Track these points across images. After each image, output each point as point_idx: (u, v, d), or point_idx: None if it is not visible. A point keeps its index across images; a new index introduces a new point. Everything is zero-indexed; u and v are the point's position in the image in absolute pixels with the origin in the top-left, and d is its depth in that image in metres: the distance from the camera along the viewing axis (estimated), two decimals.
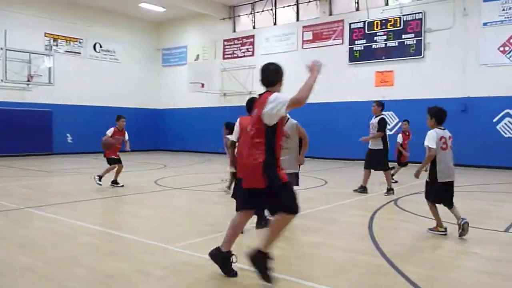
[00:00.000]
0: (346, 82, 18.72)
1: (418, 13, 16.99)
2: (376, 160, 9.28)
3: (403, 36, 17.30)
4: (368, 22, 18.16)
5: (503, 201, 9.06)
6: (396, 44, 17.47)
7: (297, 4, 20.67)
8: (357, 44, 18.48)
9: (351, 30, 18.63)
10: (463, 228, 5.52)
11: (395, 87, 17.45)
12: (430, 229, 5.94)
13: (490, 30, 15.57)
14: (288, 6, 20.95)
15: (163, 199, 9.01)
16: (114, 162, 10.21)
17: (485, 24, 15.70)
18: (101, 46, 23.43)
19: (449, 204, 5.74)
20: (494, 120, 15.32)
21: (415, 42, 17.07)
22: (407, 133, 11.89)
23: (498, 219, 6.98)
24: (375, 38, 18.00)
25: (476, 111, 15.60)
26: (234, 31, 23.08)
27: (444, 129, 5.95)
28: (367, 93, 17.75)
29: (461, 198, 9.36)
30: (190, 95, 22.88)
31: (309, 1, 20.04)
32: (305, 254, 5.04)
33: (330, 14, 19.61)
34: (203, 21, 23.80)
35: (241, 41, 22.54)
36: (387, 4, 18.09)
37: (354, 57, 18.56)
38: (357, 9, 18.80)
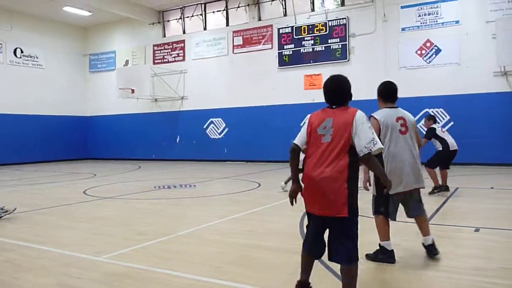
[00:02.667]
0: (276, 86, 19.09)
1: (342, 18, 17.70)
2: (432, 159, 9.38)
3: (329, 41, 17.94)
4: (296, 27, 18.64)
5: (425, 195, 9.61)
6: (323, 48, 18.08)
7: (226, 10, 20.79)
8: (286, 49, 18.91)
9: (280, 35, 19.04)
10: None
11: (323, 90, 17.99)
12: None
13: (408, 34, 16.56)
14: (218, 11, 21.03)
15: (92, 209, 8.69)
16: None
17: (403, 29, 16.67)
18: (22, 51, 22.17)
19: None
20: (415, 119, 16.25)
21: (340, 46, 17.76)
22: None
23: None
24: (303, 42, 18.51)
25: None
26: (164, 36, 22.78)
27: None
28: (296, 96, 18.25)
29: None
30: (119, 101, 22.25)
31: (238, 7, 20.23)
32: (238, 257, 5.07)
33: (259, 20, 19.93)
34: (132, 26, 23.28)
35: (171, 46, 22.28)
36: (313, 10, 18.69)
37: (284, 61, 18.97)
38: (285, 15, 19.25)
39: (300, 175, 3.49)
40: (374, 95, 17.26)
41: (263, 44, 19.61)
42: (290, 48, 18.82)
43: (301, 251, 3.61)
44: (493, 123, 14.95)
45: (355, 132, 3.26)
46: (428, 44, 16.21)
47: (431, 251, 4.68)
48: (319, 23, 18.16)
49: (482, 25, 15.33)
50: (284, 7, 19.28)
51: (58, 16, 22.69)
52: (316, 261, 3.71)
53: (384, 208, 4.63)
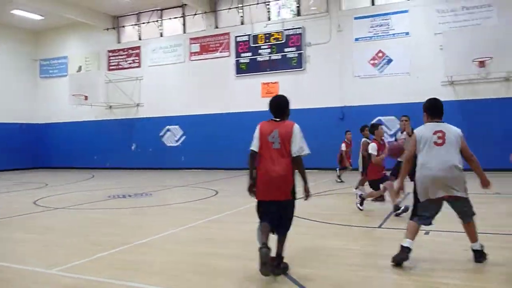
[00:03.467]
0: (234, 94, 19.16)
1: (298, 28, 18.05)
2: None
3: (285, 50, 18.23)
4: (253, 36, 18.81)
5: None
6: (280, 57, 18.35)
7: (183, 16, 20.72)
8: (243, 57, 19.04)
9: (237, 43, 19.16)
10: None
11: None
12: None
13: (361, 45, 17.09)
14: (175, 18, 20.92)
15: (44, 220, 8.40)
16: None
17: (356, 39, 17.19)
18: None
19: None
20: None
21: (296, 55, 18.08)
22: (349, 142, 13.54)
23: (373, 217, 7.62)
24: (260, 51, 18.71)
25: (353, 119, 16.92)
26: (119, 42, 22.40)
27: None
28: (254, 103, 18.35)
29: (347, 197, 10.12)
30: (72, 108, 21.63)
31: (195, 14, 20.21)
32: (196, 265, 5.06)
33: (216, 27, 19.98)
34: (85, 31, 22.72)
35: (126, 52, 21.94)
36: (269, 19, 18.94)
37: (241, 69, 19.09)
38: (242, 23, 19.40)
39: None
40: (329, 103, 17.83)
41: (221, 51, 19.66)
42: (247, 56, 18.97)
43: (260, 225, 4.50)
44: None
45: (293, 141, 4.52)
46: (380, 54, 16.79)
47: (476, 256, 4.83)
48: (276, 32, 18.42)
49: (430, 37, 16.02)
50: (241, 15, 19.43)
51: (7, 20, 21.84)
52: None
53: (419, 214, 4.94)
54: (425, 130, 4.95)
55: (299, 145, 4.51)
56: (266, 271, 4.18)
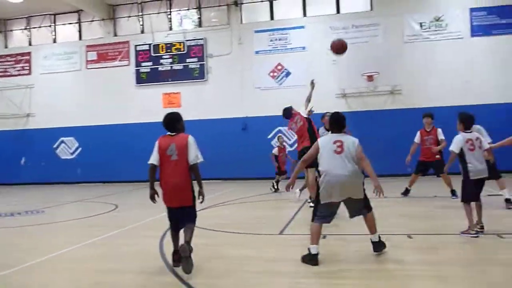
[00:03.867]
0: (134, 104, 18.63)
1: (200, 39, 18.12)
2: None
3: (187, 60, 18.18)
4: (153, 45, 18.50)
5: (281, 207, 10.23)
6: (181, 67, 18.24)
7: (79, 23, 19.76)
8: (144, 66, 18.63)
9: (137, 52, 18.70)
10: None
11: (182, 108, 18.09)
12: (463, 232, 6.20)
13: (261, 57, 17.62)
14: (69, 24, 19.87)
15: None
16: None
17: (257, 52, 17.69)
18: None
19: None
20: (269, 137, 17.29)
21: (198, 66, 18.11)
22: (282, 146, 13.90)
23: (274, 224, 7.83)
24: (161, 61, 18.44)
25: (254, 129, 17.36)
26: (6, 46, 20.71)
27: (471, 132, 6.44)
28: (155, 114, 17.95)
29: (245, 207, 10.28)
30: None
31: (92, 20, 19.39)
32: (93, 284, 4.81)
33: (115, 35, 19.33)
34: None
35: (15, 58, 20.34)
36: (171, 29, 18.78)
37: (141, 78, 18.64)
38: (142, 32, 19.00)
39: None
40: (231, 114, 17.94)
41: (120, 60, 19.05)
42: (148, 66, 18.59)
43: (169, 231, 5.39)
44: None
45: (189, 151, 5.12)
46: (279, 67, 17.44)
47: (374, 247, 5.44)
48: (177, 42, 18.30)
49: (324, 52, 16.91)
50: (141, 24, 19.02)
51: None
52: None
53: (319, 215, 5.41)
54: (326, 139, 5.48)
55: (195, 154, 5.14)
56: (188, 268, 4.79)
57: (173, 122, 5.27)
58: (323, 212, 5.34)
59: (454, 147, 6.34)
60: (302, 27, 17.40)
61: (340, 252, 5.78)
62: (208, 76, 18.10)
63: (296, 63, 17.29)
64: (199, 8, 18.51)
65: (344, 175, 5.19)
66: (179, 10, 18.85)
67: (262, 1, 17.78)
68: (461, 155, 6.29)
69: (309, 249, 5.20)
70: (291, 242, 6.50)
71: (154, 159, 5.12)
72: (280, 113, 16.90)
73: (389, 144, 15.44)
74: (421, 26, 16.53)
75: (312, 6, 17.58)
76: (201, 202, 5.22)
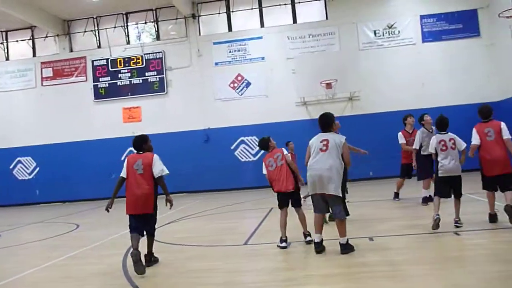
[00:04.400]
0: (93, 120, 18.27)
1: (159, 52, 18.01)
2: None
3: (147, 74, 18.03)
4: (111, 60, 18.25)
5: (245, 218, 10.25)
6: (141, 81, 18.06)
7: (32, 39, 19.27)
8: (102, 81, 18.32)
9: (94, 67, 18.39)
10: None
11: (143, 122, 17.91)
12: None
13: (221, 69, 17.68)
14: (22, 40, 19.35)
15: None
16: None
17: (216, 63, 17.74)
18: None
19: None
20: (232, 147, 17.31)
21: (158, 79, 17.98)
22: (294, 154, 12.13)
23: (239, 235, 7.85)
24: (120, 75, 18.21)
25: (217, 141, 17.35)
26: None
27: (446, 133, 6.82)
28: (115, 129, 17.75)
29: (210, 220, 10.23)
30: None
31: (46, 36, 18.95)
32: None
33: (71, 51, 18.96)
34: None
35: None
36: (128, 43, 18.59)
37: (100, 94, 18.32)
38: (99, 47, 18.72)
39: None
40: (193, 126, 17.84)
41: (76, 76, 18.67)
42: (106, 81, 18.30)
43: (131, 235, 5.89)
44: (298, 147, 16.70)
45: (154, 166, 5.97)
46: (239, 78, 17.54)
47: (341, 249, 5.77)
48: (135, 56, 18.13)
49: (283, 61, 17.25)
50: (97, 39, 18.74)
51: None
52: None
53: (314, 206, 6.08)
54: (315, 139, 6.04)
55: (160, 168, 5.97)
56: (140, 269, 5.48)
57: (140, 143, 6.22)
58: (314, 203, 6.02)
59: (431, 148, 6.89)
60: (260, 37, 17.60)
61: (306, 258, 5.83)
62: (168, 89, 17.99)
63: (256, 73, 17.44)
64: (156, 21, 18.42)
65: (321, 169, 5.73)
66: (136, 24, 18.71)
67: (219, 13, 17.87)
68: (436, 154, 6.80)
69: (313, 239, 6.03)
70: (256, 252, 6.52)
71: (123, 173, 6.00)
72: (242, 123, 17.18)
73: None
74: (375, 33, 17.04)
75: (269, 16, 17.82)
76: (170, 209, 6.03)
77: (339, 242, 5.75)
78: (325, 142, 5.83)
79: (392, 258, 5.44)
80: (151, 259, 6.10)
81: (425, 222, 7.31)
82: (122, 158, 17.96)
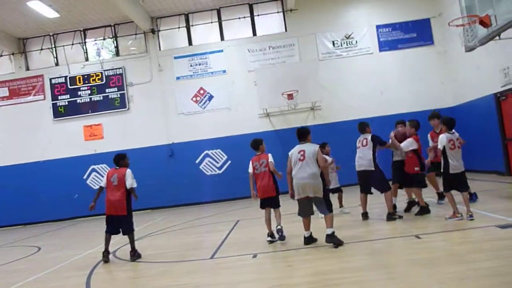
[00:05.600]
0: (54, 139, 17.79)
1: (119, 68, 17.79)
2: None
3: (107, 90, 17.74)
4: (70, 77, 17.87)
5: (211, 231, 10.18)
6: (101, 98, 17.75)
7: None
8: (61, 99, 17.90)
9: (53, 86, 17.95)
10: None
11: (105, 139, 17.58)
12: (449, 218, 7.28)
13: (183, 83, 17.61)
14: None
15: None
16: None
17: (178, 78, 17.67)
18: None
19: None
20: (197, 161, 17.21)
21: (119, 95, 17.72)
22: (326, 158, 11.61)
23: (205, 249, 7.80)
24: (79, 92, 17.84)
25: (181, 155, 17.22)
26: None
27: (453, 132, 7.38)
28: (77, 147, 17.35)
29: (176, 235, 10.12)
30: None
31: (1, 55, 18.39)
32: None
33: (28, 69, 18.46)
34: None
35: None
36: (87, 59, 18.28)
37: (59, 112, 17.89)
38: (57, 64, 18.31)
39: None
40: (157, 141, 17.59)
41: (34, 95, 18.17)
42: (65, 99, 17.89)
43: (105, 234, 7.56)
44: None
45: (126, 179, 7.63)
46: (201, 92, 17.51)
47: (326, 238, 6.62)
48: (95, 73, 17.83)
49: (245, 74, 17.37)
50: (55, 56, 18.35)
51: None
52: None
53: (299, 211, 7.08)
54: (294, 150, 7.00)
55: (130, 182, 7.64)
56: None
57: (117, 159, 7.93)
58: (299, 208, 6.93)
59: (440, 145, 7.42)
60: (220, 51, 17.67)
61: (271, 270, 5.85)
62: (130, 105, 17.76)
63: (218, 86, 17.47)
64: (115, 37, 18.22)
65: (303, 177, 6.68)
66: (95, 40, 18.44)
67: (179, 28, 17.86)
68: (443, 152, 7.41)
69: (304, 235, 6.89)
70: (222, 265, 6.49)
71: (103, 183, 7.80)
72: (207, 136, 17.14)
73: None
74: (333, 44, 17.42)
75: (229, 30, 17.92)
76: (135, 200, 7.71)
77: (326, 233, 6.59)
78: (302, 153, 6.81)
79: (355, 264, 5.54)
80: (134, 254, 7.55)
81: (386, 227, 7.50)
82: (85, 177, 17.69)
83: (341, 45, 17.43)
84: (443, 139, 7.30)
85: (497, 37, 9.21)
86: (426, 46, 17.17)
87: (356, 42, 17.36)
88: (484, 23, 9.15)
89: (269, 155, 7.66)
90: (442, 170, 7.41)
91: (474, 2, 9.87)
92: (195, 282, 5.60)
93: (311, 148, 6.85)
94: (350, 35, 17.42)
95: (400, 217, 8.11)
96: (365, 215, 8.48)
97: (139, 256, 7.54)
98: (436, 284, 4.42)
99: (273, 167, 7.51)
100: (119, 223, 7.61)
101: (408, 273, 4.93)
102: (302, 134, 7.13)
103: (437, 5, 16.90)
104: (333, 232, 6.59)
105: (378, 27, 17.34)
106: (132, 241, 7.60)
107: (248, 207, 13.64)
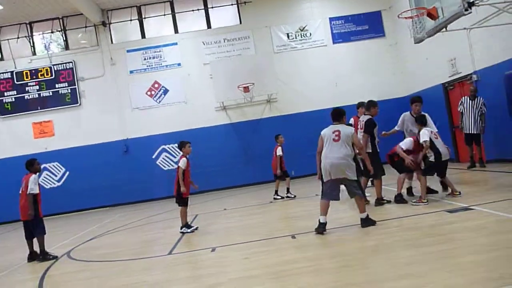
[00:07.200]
0: (0, 137, 17.01)
1: (69, 62, 17.18)
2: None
3: (57, 86, 17.11)
4: (16, 73, 17.10)
5: (169, 227, 10.05)
6: (51, 93, 17.10)
7: None
8: (7, 96, 17.11)
9: None
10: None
11: (56, 137, 16.97)
12: (415, 202, 7.55)
13: (137, 77, 17.24)
14: None
15: None
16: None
17: (131, 71, 17.27)
18: None
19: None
20: (153, 156, 16.94)
21: (70, 90, 17.13)
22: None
23: (163, 245, 7.69)
24: (27, 88, 17.11)
25: (137, 151, 16.88)
26: None
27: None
28: (26, 146, 16.63)
29: (133, 232, 9.93)
30: None
31: None
32: None
33: None
34: None
35: None
36: (35, 53, 17.53)
37: (6, 109, 17.09)
38: (2, 59, 17.47)
39: None
40: (111, 137, 17.23)
41: None
42: (12, 95, 17.10)
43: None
44: (220, 152, 16.74)
45: (29, 185, 7.77)
46: (156, 85, 17.21)
47: (362, 222, 6.56)
48: (43, 68, 17.13)
49: (200, 67, 17.19)
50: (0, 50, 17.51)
51: None
52: None
53: (326, 192, 6.75)
54: (327, 130, 6.73)
55: (30, 187, 7.70)
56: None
57: (27, 166, 8.04)
58: (327, 190, 6.64)
59: (426, 137, 7.71)
60: (175, 43, 17.39)
61: (226, 263, 5.83)
62: (82, 100, 17.20)
63: (173, 79, 17.21)
64: (64, 30, 17.55)
65: (336, 157, 6.45)
66: (42, 34, 17.69)
67: (131, 20, 17.42)
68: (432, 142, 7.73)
69: (319, 219, 6.51)
70: (180, 260, 6.43)
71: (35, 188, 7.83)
72: (163, 131, 16.85)
73: (269, 152, 15.96)
74: (288, 36, 17.52)
75: (183, 22, 17.66)
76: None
77: (360, 217, 6.56)
78: (337, 133, 6.57)
79: (310, 254, 5.62)
80: (40, 257, 7.75)
81: (344, 216, 7.66)
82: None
83: (296, 38, 17.56)
84: (425, 132, 7.68)
85: (444, 29, 9.51)
86: (378, 38, 17.58)
87: (310, 34, 17.54)
88: (431, 15, 9.41)
89: (183, 159, 8.47)
90: (433, 160, 7.60)
91: None
92: (154, 279, 5.51)
93: (347, 129, 6.68)
94: (304, 28, 17.57)
95: (389, 201, 8.16)
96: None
97: (47, 259, 7.71)
98: (390, 268, 4.54)
99: (179, 171, 8.42)
100: (30, 228, 7.85)
101: (363, 260, 5.05)
102: (338, 114, 6.87)
103: None
104: (367, 215, 6.56)
105: (331, 19, 17.58)
106: (40, 244, 7.76)
107: (206, 201, 13.59)
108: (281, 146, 11.39)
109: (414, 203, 7.58)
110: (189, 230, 8.38)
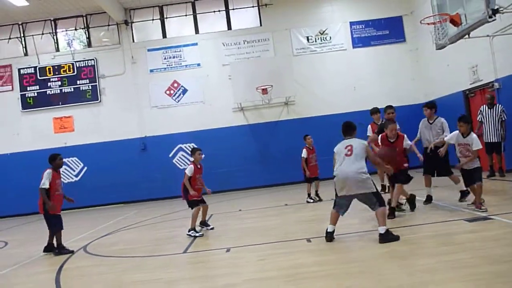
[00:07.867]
0: (21, 131, 17.35)
1: (90, 59, 17.45)
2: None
3: (78, 82, 17.39)
4: (39, 68, 17.43)
5: (184, 226, 10.11)
6: (72, 89, 17.39)
7: None
8: (30, 91, 17.45)
9: (21, 76, 17.47)
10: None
11: (76, 132, 17.25)
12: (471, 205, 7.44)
13: (157, 76, 17.43)
14: None
15: None
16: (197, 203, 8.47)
17: (151, 70, 17.46)
18: None
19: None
20: (170, 155, 17.08)
21: (90, 87, 17.40)
22: (311, 148, 11.20)
23: (178, 243, 7.75)
24: (49, 84, 17.43)
25: (154, 149, 17.05)
26: None
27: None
28: (46, 140, 16.93)
29: (148, 229, 10.02)
30: None
31: None
32: None
33: None
34: None
35: None
36: (58, 50, 17.84)
37: (28, 104, 17.43)
38: (26, 54, 17.81)
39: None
40: (129, 135, 17.40)
41: (2, 85, 17.65)
42: (34, 90, 17.44)
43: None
44: (236, 153, 16.80)
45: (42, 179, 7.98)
46: (175, 85, 17.36)
47: (380, 238, 6.03)
48: (66, 64, 17.43)
49: (219, 67, 17.30)
50: (24, 46, 17.83)
51: None
52: None
53: (337, 205, 6.57)
54: (340, 145, 6.56)
55: (41, 182, 7.86)
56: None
57: (49, 160, 8.20)
58: (339, 202, 6.49)
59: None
60: (195, 44, 17.53)
61: (240, 264, 5.86)
62: (102, 98, 17.46)
63: (192, 79, 17.36)
64: (87, 28, 17.84)
65: (348, 172, 6.21)
66: (66, 31, 18.00)
67: (153, 20, 17.62)
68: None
69: (327, 228, 6.46)
70: (195, 260, 6.49)
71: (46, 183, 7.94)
72: (180, 130, 16.98)
73: (286, 154, 16.05)
74: (308, 39, 17.51)
75: (204, 23, 17.80)
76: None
77: (379, 232, 6.05)
78: (349, 147, 6.38)
79: (327, 258, 5.61)
80: (56, 251, 7.87)
81: (362, 222, 7.61)
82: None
83: (315, 41, 17.54)
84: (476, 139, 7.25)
85: (466, 36, 9.42)
86: (398, 43, 17.46)
87: (330, 38, 17.50)
88: (454, 21, 9.35)
89: (189, 168, 8.37)
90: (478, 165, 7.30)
91: (445, 0, 10.08)
92: (168, 277, 5.57)
93: (359, 143, 6.42)
94: (324, 31, 17.54)
95: (403, 210, 8.02)
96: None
97: (62, 253, 7.80)
98: (406, 276, 4.51)
99: (185, 178, 8.23)
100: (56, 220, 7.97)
101: (379, 266, 5.02)
102: (348, 128, 6.64)
103: (409, 3, 17.19)
104: (387, 230, 6.05)
105: (351, 23, 17.53)
106: (57, 238, 7.97)
107: (221, 201, 13.65)
108: (310, 148, 11.10)
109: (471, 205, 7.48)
110: (197, 234, 8.13)
